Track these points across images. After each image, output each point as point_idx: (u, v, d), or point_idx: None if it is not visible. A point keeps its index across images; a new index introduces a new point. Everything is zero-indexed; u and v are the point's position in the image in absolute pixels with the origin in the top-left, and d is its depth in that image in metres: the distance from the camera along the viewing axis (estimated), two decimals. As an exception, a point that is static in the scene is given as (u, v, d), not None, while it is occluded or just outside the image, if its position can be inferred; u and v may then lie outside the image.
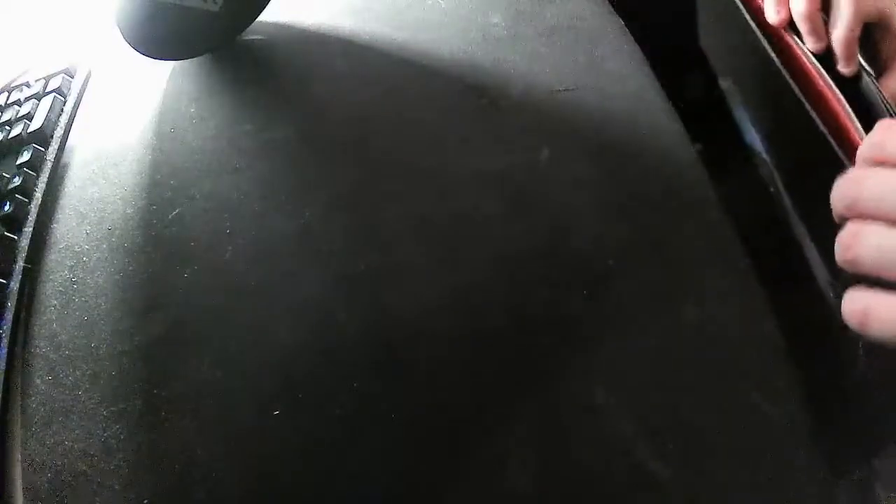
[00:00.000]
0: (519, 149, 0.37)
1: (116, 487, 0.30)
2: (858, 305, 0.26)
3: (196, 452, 0.30)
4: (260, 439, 0.30)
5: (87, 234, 0.39)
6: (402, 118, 0.40)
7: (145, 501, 0.29)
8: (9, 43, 0.56)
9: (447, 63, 0.42)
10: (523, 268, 0.32)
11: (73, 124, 0.47)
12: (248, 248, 0.36)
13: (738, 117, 0.42)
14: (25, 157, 0.43)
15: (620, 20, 0.42)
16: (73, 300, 0.36)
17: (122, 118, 0.46)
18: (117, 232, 0.39)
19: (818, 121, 0.34)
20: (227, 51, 0.47)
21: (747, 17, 0.39)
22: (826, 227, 0.29)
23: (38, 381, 0.34)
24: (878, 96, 0.34)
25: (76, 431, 0.32)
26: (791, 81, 0.36)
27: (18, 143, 0.44)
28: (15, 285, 0.37)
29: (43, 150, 0.44)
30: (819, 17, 0.36)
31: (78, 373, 0.34)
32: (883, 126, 0.27)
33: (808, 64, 0.36)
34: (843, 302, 0.26)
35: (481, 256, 0.33)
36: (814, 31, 0.36)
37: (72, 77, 0.49)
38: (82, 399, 0.33)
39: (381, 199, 0.36)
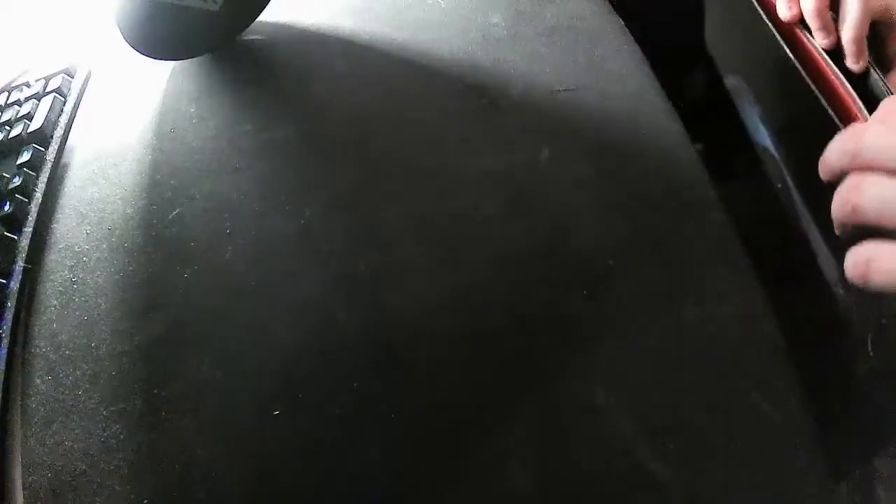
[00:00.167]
0: (519, 149, 0.37)
1: (116, 487, 0.30)
2: (861, 258, 0.26)
3: (196, 452, 0.30)
4: (260, 439, 0.30)
5: (87, 234, 0.39)
6: (402, 118, 0.40)
7: (145, 501, 0.29)
8: (9, 43, 0.56)
9: (447, 63, 0.42)
10: (523, 268, 0.32)
11: (73, 124, 0.47)
12: (248, 248, 0.36)
13: (745, 115, 0.42)
14: (25, 157, 0.43)
15: (620, 20, 0.42)
16: (73, 300, 0.36)
17: (122, 118, 0.46)
18: (117, 232, 0.39)
19: (833, 115, 0.34)
20: (227, 51, 0.47)
21: (761, 13, 0.40)
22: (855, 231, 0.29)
23: (38, 381, 0.34)
24: (886, 92, 0.34)
25: (76, 431, 0.32)
26: (806, 76, 0.36)
27: (18, 143, 0.44)
28: (15, 285, 0.37)
29: (43, 150, 0.44)
30: (828, 13, 0.37)
31: (78, 373, 0.34)
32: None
33: (819, 59, 0.36)
34: (845, 260, 0.27)
35: (481, 256, 0.33)
36: (824, 27, 0.36)
37: (72, 77, 0.49)
38: (82, 399, 0.33)
39: (381, 199, 0.36)
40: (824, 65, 0.36)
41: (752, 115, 0.42)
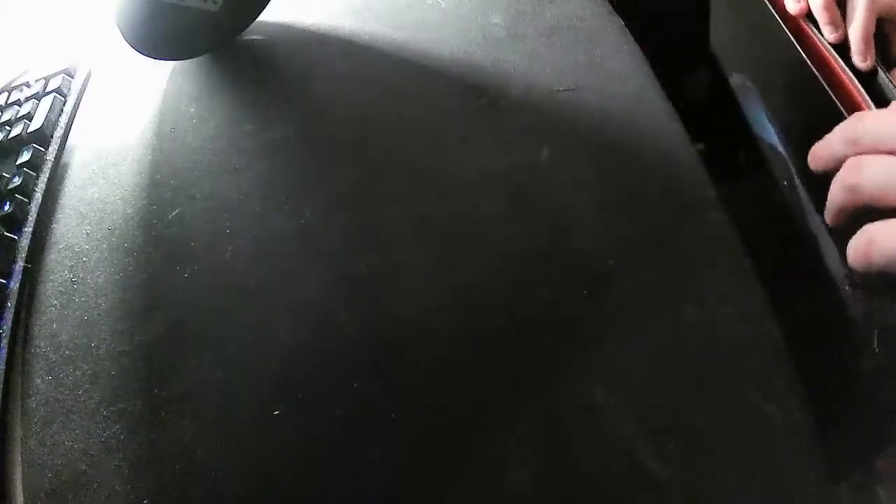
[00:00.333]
0: (519, 149, 0.37)
1: (116, 487, 0.30)
2: (861, 241, 0.27)
3: (196, 452, 0.30)
4: (260, 439, 0.30)
5: (87, 234, 0.39)
6: (402, 118, 0.40)
7: (145, 501, 0.29)
8: (9, 43, 0.56)
9: (447, 63, 0.42)
10: (523, 268, 0.32)
11: (73, 124, 0.47)
12: (248, 248, 0.36)
13: (750, 113, 0.42)
14: (25, 157, 0.43)
15: (620, 20, 0.42)
16: (73, 300, 0.36)
17: (122, 118, 0.46)
18: (117, 232, 0.39)
19: (844, 112, 0.35)
20: (227, 51, 0.47)
21: (771, 9, 0.40)
22: (853, 218, 0.29)
23: (38, 381, 0.34)
24: (893, 90, 0.34)
25: (76, 431, 0.32)
26: (816, 73, 0.37)
27: (18, 143, 0.44)
28: (15, 285, 0.37)
29: (43, 150, 0.44)
30: (836, 8, 0.37)
31: (78, 373, 0.34)
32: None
33: (828, 56, 0.36)
34: (847, 250, 0.28)
35: (481, 256, 0.33)
36: (831, 21, 0.37)
37: (72, 77, 0.49)
38: (82, 399, 0.33)
39: (381, 199, 0.36)
40: (833, 61, 0.36)
41: (758, 113, 0.42)
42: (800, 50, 0.38)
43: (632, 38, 0.40)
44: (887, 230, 0.27)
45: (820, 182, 0.32)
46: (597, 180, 0.34)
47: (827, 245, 0.33)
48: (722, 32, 0.47)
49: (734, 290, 0.30)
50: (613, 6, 0.43)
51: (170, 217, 0.38)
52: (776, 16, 0.40)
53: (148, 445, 0.30)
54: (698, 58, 0.49)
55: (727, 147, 0.45)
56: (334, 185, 0.38)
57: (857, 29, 0.36)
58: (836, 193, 0.30)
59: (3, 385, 0.34)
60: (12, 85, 0.50)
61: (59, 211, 0.41)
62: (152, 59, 0.47)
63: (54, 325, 0.36)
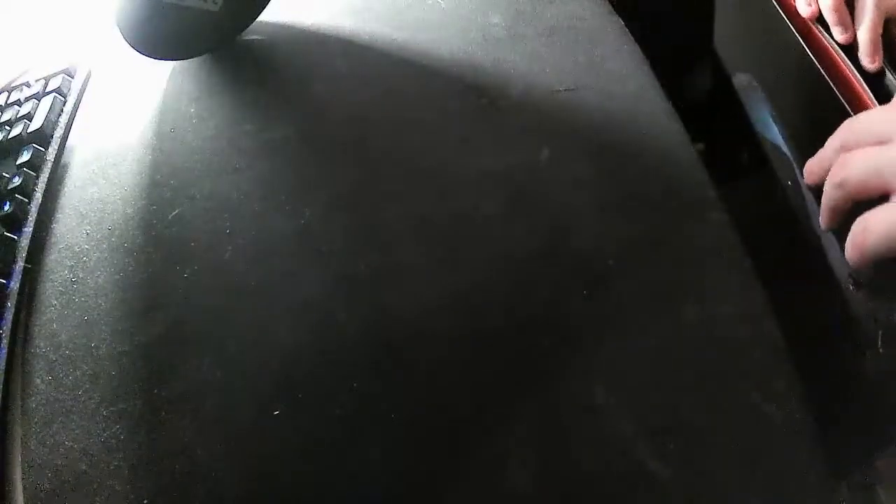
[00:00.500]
0: (519, 149, 0.37)
1: (116, 487, 0.30)
2: (857, 228, 0.28)
3: (196, 452, 0.30)
4: (260, 439, 0.30)
5: (87, 234, 0.39)
6: (402, 118, 0.40)
7: (145, 501, 0.29)
8: (9, 43, 0.56)
9: (447, 63, 0.42)
10: (523, 268, 0.32)
11: (73, 124, 0.47)
12: (248, 248, 0.36)
13: (754, 112, 0.42)
14: (25, 157, 0.43)
15: (620, 20, 0.42)
16: (73, 300, 0.36)
17: (122, 118, 0.46)
18: (117, 232, 0.39)
19: (851, 112, 0.35)
20: (227, 51, 0.47)
21: (779, 10, 0.40)
22: (849, 218, 0.29)
23: (38, 381, 0.34)
24: None
25: (76, 431, 0.32)
26: (823, 73, 0.37)
27: (18, 143, 0.44)
28: (15, 285, 0.37)
29: (43, 150, 0.44)
30: (846, 9, 0.37)
31: (78, 373, 0.34)
32: None
33: (836, 57, 0.36)
34: (845, 247, 0.29)
35: (481, 256, 0.33)
36: (841, 22, 0.37)
37: (72, 77, 0.49)
38: (82, 399, 0.33)
39: (381, 199, 0.36)
40: (841, 62, 0.36)
41: (763, 113, 0.42)
42: (807, 50, 0.38)
43: (632, 38, 0.40)
44: (879, 214, 0.27)
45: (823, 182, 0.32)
46: (597, 180, 0.34)
47: (830, 245, 0.33)
48: (726, 32, 0.47)
49: (734, 290, 0.30)
50: (613, 6, 0.43)
51: (170, 217, 0.38)
52: (783, 16, 0.40)
53: (148, 445, 0.30)
54: (699, 57, 0.49)
55: (730, 146, 0.45)
56: (334, 185, 0.38)
57: (866, 30, 0.36)
58: (827, 192, 0.31)
59: (3, 385, 0.34)
60: (12, 85, 0.50)
61: (59, 211, 0.41)
62: (152, 59, 0.47)
63: (54, 325, 0.36)
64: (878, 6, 0.37)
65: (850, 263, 0.29)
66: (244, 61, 0.47)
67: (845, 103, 0.35)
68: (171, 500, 0.29)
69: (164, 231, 0.38)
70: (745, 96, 0.43)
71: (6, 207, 0.40)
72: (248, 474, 0.29)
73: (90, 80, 0.50)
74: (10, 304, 0.37)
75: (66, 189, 0.42)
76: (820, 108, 0.38)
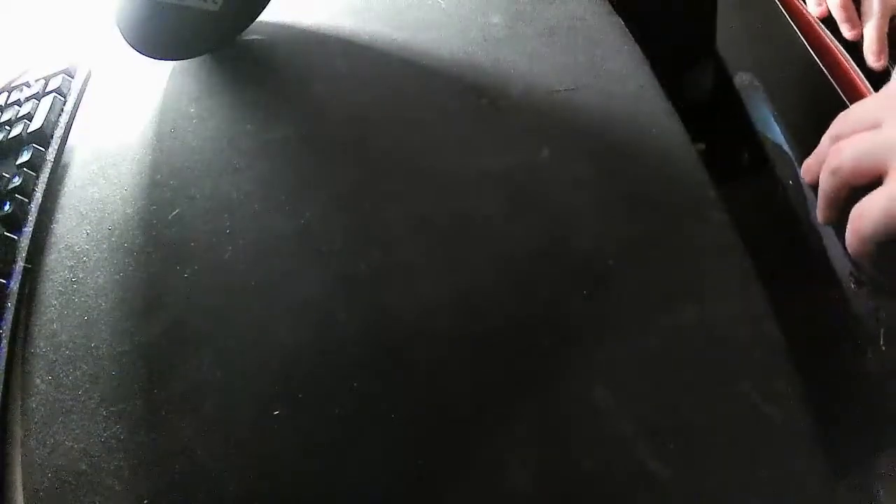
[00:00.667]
0: (519, 149, 0.37)
1: (116, 487, 0.30)
2: (855, 214, 0.28)
3: (196, 452, 0.30)
4: (260, 439, 0.30)
5: (87, 234, 0.39)
6: (402, 118, 0.40)
7: (145, 501, 0.29)
8: (9, 43, 0.56)
9: (447, 63, 0.41)
10: (523, 268, 0.32)
11: (73, 124, 0.47)
12: (248, 248, 0.36)
13: (755, 112, 0.42)
14: (25, 157, 0.43)
15: (620, 20, 0.42)
16: (73, 300, 0.36)
17: (122, 118, 0.46)
18: (117, 232, 0.39)
19: None
20: (227, 51, 0.47)
21: (782, 10, 0.40)
22: (848, 211, 0.29)
23: (38, 381, 0.34)
24: None
25: (76, 431, 0.32)
26: (826, 72, 0.37)
27: (18, 143, 0.44)
28: (15, 285, 0.37)
29: (43, 150, 0.44)
30: (853, 7, 0.37)
31: (78, 373, 0.34)
32: None
33: (839, 56, 0.36)
34: (846, 240, 0.29)
35: (481, 256, 0.33)
36: (849, 19, 0.37)
37: (72, 77, 0.49)
38: (82, 399, 0.33)
39: (381, 199, 0.36)
40: (844, 61, 0.36)
41: (764, 112, 0.42)
42: (809, 49, 0.38)
43: (632, 38, 0.40)
44: (874, 197, 0.27)
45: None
46: (597, 180, 0.34)
47: (831, 243, 0.33)
48: (727, 31, 0.47)
49: (734, 290, 0.30)
50: (613, 6, 0.42)
51: (170, 217, 0.38)
52: (786, 15, 0.40)
53: (148, 445, 0.30)
54: (699, 57, 0.48)
55: (731, 146, 0.45)
56: (334, 185, 0.38)
57: (873, 27, 0.36)
58: (823, 181, 0.30)
59: (3, 385, 0.34)
60: (12, 85, 0.50)
61: (59, 211, 0.41)
62: (152, 59, 0.47)
63: (54, 325, 0.36)
64: (884, 3, 0.37)
65: (851, 252, 0.29)
66: (244, 61, 0.47)
67: (847, 102, 0.35)
68: (171, 500, 0.29)
69: (164, 231, 0.38)
70: (746, 96, 0.43)
71: (6, 207, 0.40)
72: (248, 474, 0.29)
73: (90, 80, 0.50)
74: (10, 304, 0.37)
75: (66, 189, 0.42)
76: (822, 108, 0.38)
